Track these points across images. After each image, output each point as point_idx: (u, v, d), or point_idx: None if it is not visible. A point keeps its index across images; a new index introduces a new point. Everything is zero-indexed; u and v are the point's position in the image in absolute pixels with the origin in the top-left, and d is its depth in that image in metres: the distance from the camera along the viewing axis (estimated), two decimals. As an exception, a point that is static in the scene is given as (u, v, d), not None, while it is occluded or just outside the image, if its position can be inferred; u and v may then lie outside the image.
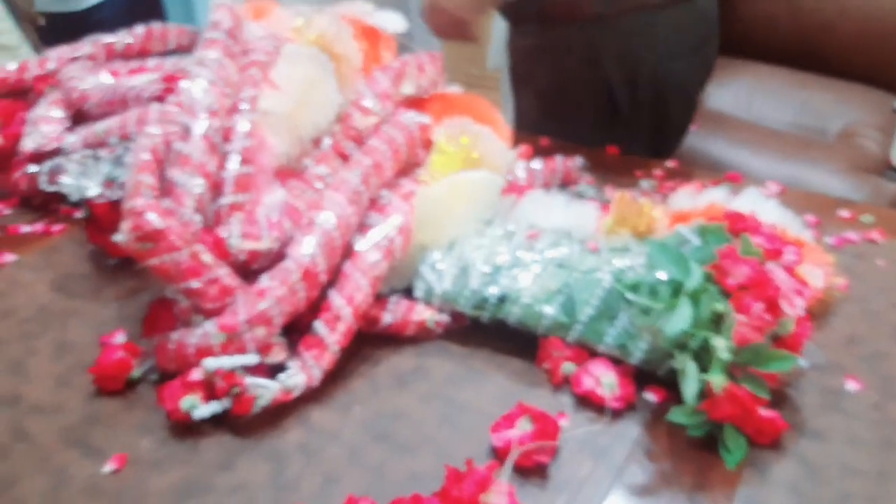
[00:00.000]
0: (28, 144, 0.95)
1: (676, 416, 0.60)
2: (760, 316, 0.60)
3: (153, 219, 0.62)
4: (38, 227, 0.93)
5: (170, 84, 0.86)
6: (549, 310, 0.66)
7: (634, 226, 0.76)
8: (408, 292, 0.74)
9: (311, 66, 0.80)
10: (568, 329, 0.66)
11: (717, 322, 0.61)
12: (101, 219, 0.78)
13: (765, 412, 0.59)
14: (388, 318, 0.70)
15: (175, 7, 2.48)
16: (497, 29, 1.70)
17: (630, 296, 0.63)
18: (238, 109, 0.75)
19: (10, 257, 0.87)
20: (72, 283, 0.82)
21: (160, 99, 0.85)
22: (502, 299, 0.68)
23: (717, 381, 0.57)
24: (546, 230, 0.75)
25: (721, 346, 0.58)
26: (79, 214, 0.90)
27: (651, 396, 0.64)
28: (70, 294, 0.80)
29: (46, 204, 0.95)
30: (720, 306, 0.60)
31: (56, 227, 0.92)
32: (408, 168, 0.81)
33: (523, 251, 0.71)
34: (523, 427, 0.58)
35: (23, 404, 0.66)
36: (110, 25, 1.74)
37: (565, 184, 0.95)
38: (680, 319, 0.59)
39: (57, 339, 0.74)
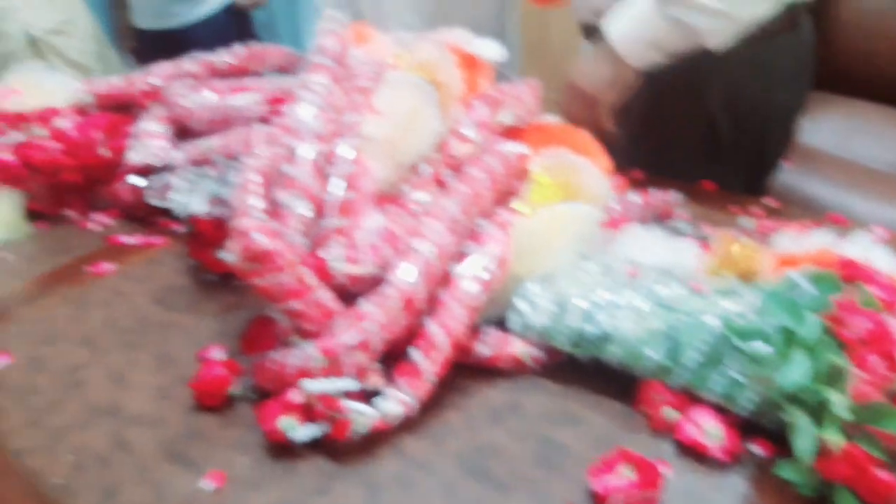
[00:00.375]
0: (133, 158, 0.98)
1: (787, 472, 0.57)
2: (881, 372, 0.57)
3: (261, 240, 0.63)
4: (139, 238, 0.96)
5: (275, 106, 0.88)
6: (652, 352, 0.64)
7: (739, 268, 0.74)
8: (501, 323, 0.73)
9: (414, 94, 0.80)
10: (671, 373, 0.64)
11: (832, 376, 0.58)
12: (203, 235, 0.80)
13: (881, 474, 0.56)
14: (482, 349, 0.70)
15: (286, 27, 2.54)
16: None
17: (740, 343, 0.61)
18: (342, 134, 0.76)
19: (111, 267, 0.90)
20: (171, 296, 0.84)
21: (265, 120, 0.87)
22: (602, 338, 0.66)
23: (835, 440, 0.54)
24: (646, 267, 0.73)
25: (839, 402, 0.55)
26: (180, 228, 0.93)
27: (758, 449, 0.61)
28: (169, 307, 0.82)
29: (148, 216, 0.98)
30: (838, 360, 0.57)
31: (156, 240, 0.95)
32: (504, 197, 0.80)
33: (624, 288, 0.69)
34: (625, 474, 0.56)
35: (123, 414, 0.68)
36: (205, 43, 1.79)
37: (660, 218, 0.93)
38: (796, 372, 0.56)
39: (157, 352, 0.75)
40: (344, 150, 0.75)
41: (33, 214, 1.04)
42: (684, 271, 0.74)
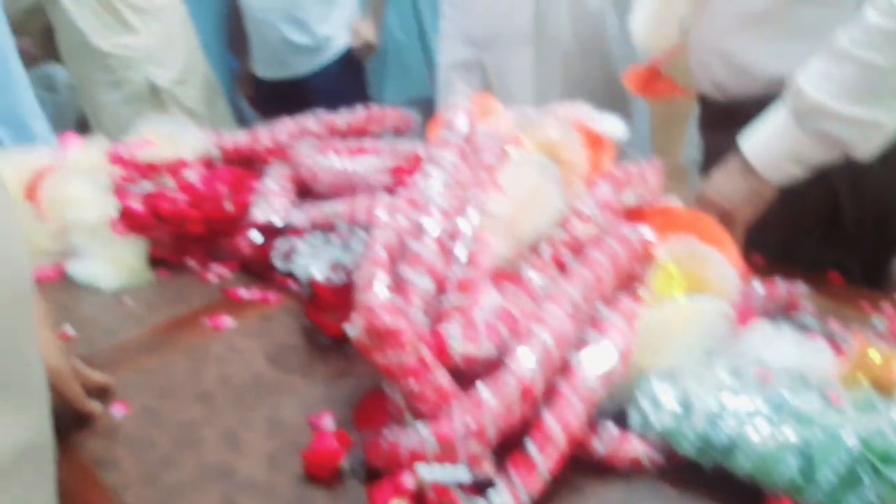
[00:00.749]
0: (257, 215, 1.01)
1: None
2: None
3: (386, 318, 0.63)
4: (255, 293, 0.98)
5: (399, 176, 0.89)
6: (785, 468, 0.60)
7: (875, 377, 0.70)
8: (619, 417, 0.70)
9: (538, 173, 0.80)
10: (803, 491, 0.60)
11: None
12: (322, 299, 0.81)
13: None
14: (598, 446, 0.67)
15: (396, 76, 2.61)
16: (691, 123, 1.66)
17: (881, 466, 0.57)
18: (465, 211, 0.76)
19: (228, 321, 0.92)
20: (284, 355, 0.85)
21: (390, 190, 0.88)
22: (729, 446, 0.63)
23: None
24: (776, 370, 0.70)
25: None
26: (294, 286, 0.94)
27: (897, 584, 0.56)
28: (283, 367, 0.83)
29: (265, 271, 1.00)
30: None
31: (271, 296, 0.97)
32: (626, 282, 0.78)
33: (754, 392, 0.66)
34: None
35: (236, 478, 0.68)
36: (320, 92, 1.84)
37: (784, 311, 0.89)
38: (951, 509, 0.52)
39: (269, 413, 0.76)
40: (467, 226, 0.75)
41: (155, 261, 1.08)
42: (816, 376, 0.70)
